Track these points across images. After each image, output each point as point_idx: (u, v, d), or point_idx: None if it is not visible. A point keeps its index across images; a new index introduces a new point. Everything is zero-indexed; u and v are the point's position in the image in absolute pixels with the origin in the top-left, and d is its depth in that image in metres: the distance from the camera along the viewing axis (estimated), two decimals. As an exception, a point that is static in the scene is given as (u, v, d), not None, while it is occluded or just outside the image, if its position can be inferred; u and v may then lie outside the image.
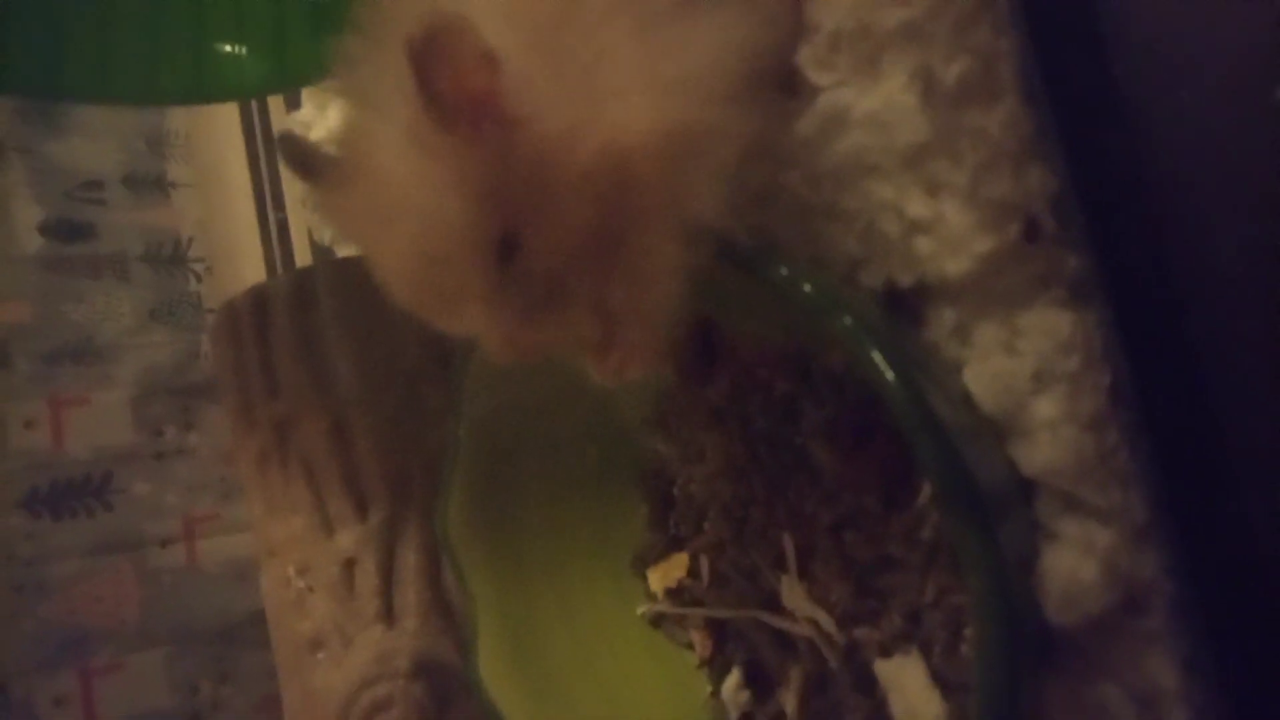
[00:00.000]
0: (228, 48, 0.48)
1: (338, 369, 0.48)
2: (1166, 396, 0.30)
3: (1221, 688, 0.29)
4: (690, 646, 0.40)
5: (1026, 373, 0.29)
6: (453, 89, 0.23)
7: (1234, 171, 0.30)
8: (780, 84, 0.32)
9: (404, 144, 0.25)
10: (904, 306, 0.31)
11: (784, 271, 0.27)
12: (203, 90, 0.51)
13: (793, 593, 0.36)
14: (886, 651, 0.33)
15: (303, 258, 0.79)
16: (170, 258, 0.98)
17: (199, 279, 0.99)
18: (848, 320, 0.26)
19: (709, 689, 0.39)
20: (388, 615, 0.45)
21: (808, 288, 0.27)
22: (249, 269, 0.86)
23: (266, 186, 0.85)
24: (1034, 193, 0.29)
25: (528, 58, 0.25)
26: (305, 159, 0.29)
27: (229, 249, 0.91)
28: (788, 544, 0.36)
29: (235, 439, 0.51)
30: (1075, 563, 0.27)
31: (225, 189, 0.91)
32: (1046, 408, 0.28)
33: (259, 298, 0.50)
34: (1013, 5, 0.30)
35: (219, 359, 0.52)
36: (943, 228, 0.29)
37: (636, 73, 0.26)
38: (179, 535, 0.90)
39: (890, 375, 0.25)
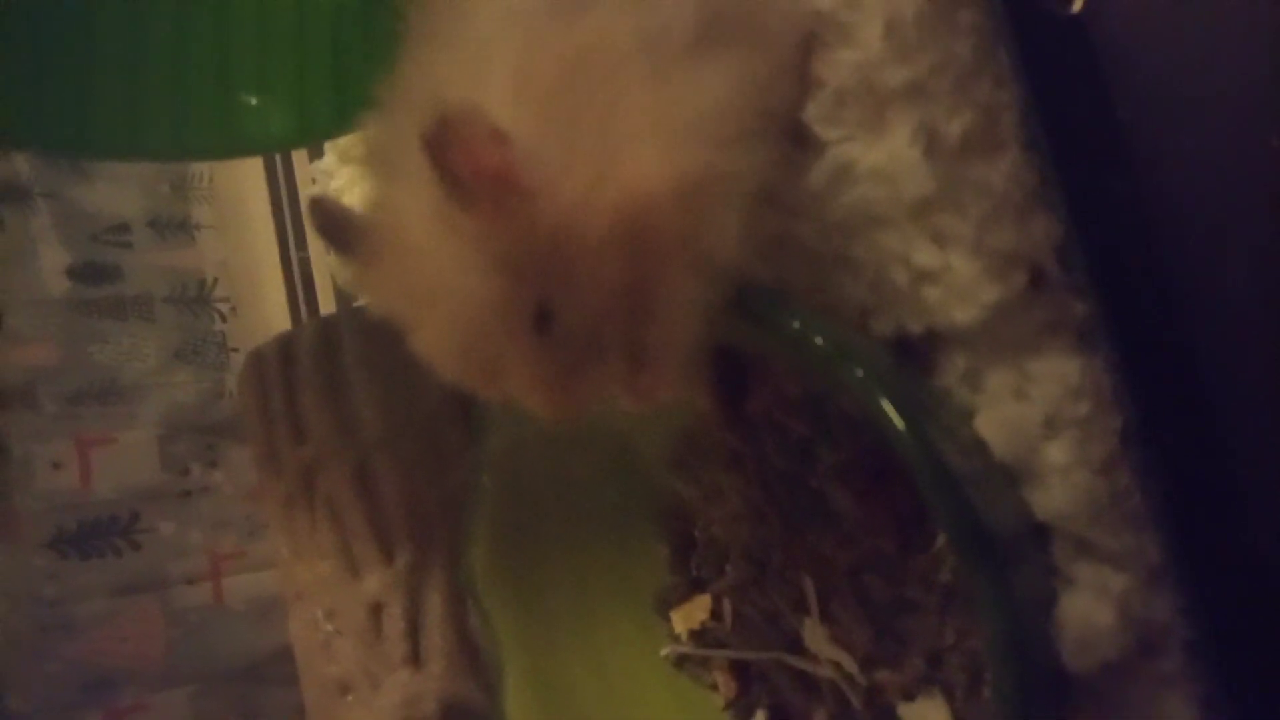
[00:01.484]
0: (252, 102, 0.49)
1: (362, 414, 0.49)
2: (1177, 439, 0.31)
3: (1240, 729, 0.29)
4: (715, 688, 0.41)
5: (1037, 418, 0.29)
6: (468, 171, 0.24)
7: (1236, 215, 0.30)
8: (789, 136, 0.33)
9: (432, 224, 0.26)
10: (915, 353, 0.32)
11: (796, 325, 0.28)
12: (227, 145, 0.52)
13: (815, 635, 0.36)
14: (909, 694, 0.33)
15: (325, 297, 0.80)
16: (195, 298, 1.00)
17: (223, 319, 1.00)
18: (859, 372, 0.27)
19: (733, 731, 0.39)
20: (415, 659, 0.45)
21: (819, 340, 0.28)
22: (273, 309, 0.88)
23: (289, 227, 0.87)
24: (1039, 241, 0.30)
25: (538, 130, 0.26)
26: (336, 229, 0.29)
27: (253, 289, 0.93)
28: (808, 586, 0.37)
29: (262, 484, 0.52)
30: (1090, 607, 0.28)
31: (248, 230, 0.93)
32: (1058, 453, 0.29)
33: (285, 345, 0.51)
34: (1014, 58, 0.31)
35: (246, 405, 0.53)
36: (950, 277, 0.30)
37: (648, 120, 0.26)
38: (205, 574, 0.90)
39: (900, 425, 0.26)
